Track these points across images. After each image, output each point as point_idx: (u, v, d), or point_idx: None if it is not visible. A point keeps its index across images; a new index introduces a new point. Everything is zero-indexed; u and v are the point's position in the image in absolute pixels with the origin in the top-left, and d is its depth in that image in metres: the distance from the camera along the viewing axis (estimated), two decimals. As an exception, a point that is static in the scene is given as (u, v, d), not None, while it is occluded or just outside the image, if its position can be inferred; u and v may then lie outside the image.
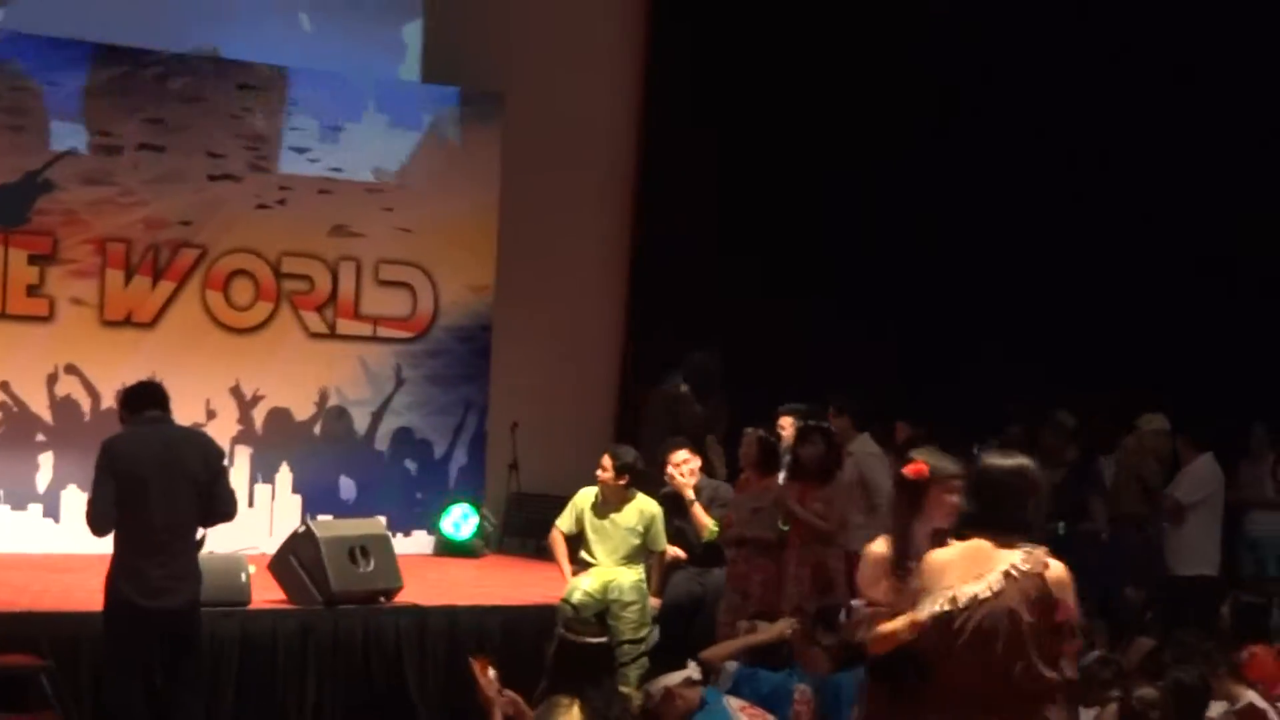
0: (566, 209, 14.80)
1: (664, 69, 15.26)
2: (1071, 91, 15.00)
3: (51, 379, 12.64)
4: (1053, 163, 15.09)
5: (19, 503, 12.50)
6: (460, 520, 13.64)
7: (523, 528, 13.89)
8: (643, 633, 10.27)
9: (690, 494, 10.73)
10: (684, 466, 10.85)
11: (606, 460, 10.44)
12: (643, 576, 10.45)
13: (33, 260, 12.58)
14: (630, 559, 10.40)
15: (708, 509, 10.75)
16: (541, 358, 14.63)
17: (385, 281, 13.84)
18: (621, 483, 10.40)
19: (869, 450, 11.75)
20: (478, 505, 13.73)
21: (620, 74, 15.30)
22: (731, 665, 8.71)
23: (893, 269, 15.22)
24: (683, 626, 10.49)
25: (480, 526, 13.63)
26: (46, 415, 12.63)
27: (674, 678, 7.81)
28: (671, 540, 10.71)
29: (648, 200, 15.31)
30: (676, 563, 10.88)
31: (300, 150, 13.55)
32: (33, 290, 12.59)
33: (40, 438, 12.60)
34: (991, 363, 14.66)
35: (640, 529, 10.41)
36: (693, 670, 7.90)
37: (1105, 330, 14.80)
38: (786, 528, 10.25)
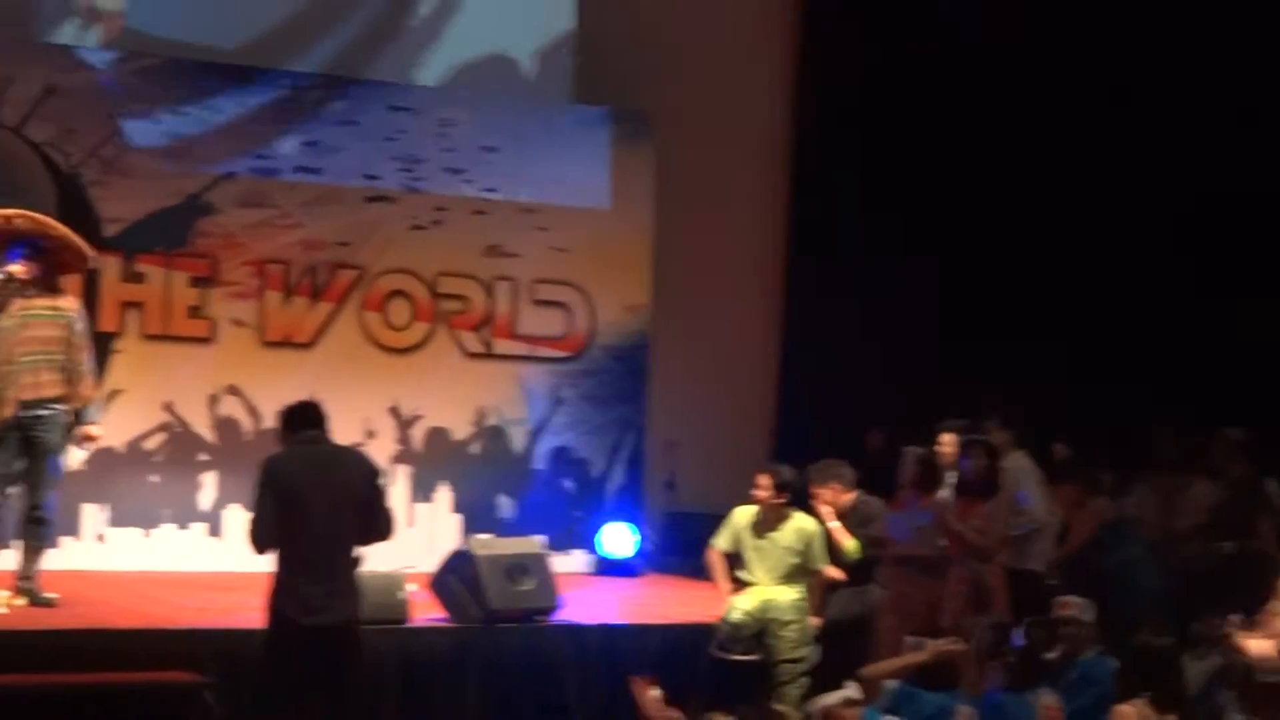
0: (721, 225, 14.76)
1: (815, 83, 15.18)
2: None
3: (213, 399, 12.78)
4: (1231, 167, 14.66)
5: (183, 521, 12.64)
6: (618, 539, 13.63)
7: (680, 546, 13.82)
8: (802, 652, 10.15)
9: (829, 517, 10.62)
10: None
11: (763, 479, 10.34)
12: (802, 595, 10.33)
13: (194, 282, 12.75)
14: (789, 578, 10.29)
15: (856, 528, 10.63)
16: (698, 376, 14.59)
17: (541, 301, 13.87)
18: (779, 501, 10.30)
19: (1020, 465, 11.58)
20: (636, 524, 13.71)
21: (772, 89, 15.24)
22: (891, 684, 8.58)
23: (1058, 278, 14.96)
24: (842, 646, 10.36)
25: (638, 545, 13.61)
26: (209, 435, 12.77)
27: (833, 697, 7.74)
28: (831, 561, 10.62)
29: (802, 214, 15.22)
30: (836, 582, 10.77)
31: (455, 171, 13.61)
32: (194, 312, 12.75)
33: (203, 457, 12.75)
34: (1150, 376, 14.38)
35: (799, 548, 10.30)
36: (852, 690, 7.81)
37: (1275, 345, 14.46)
38: (945, 544, 10.12)
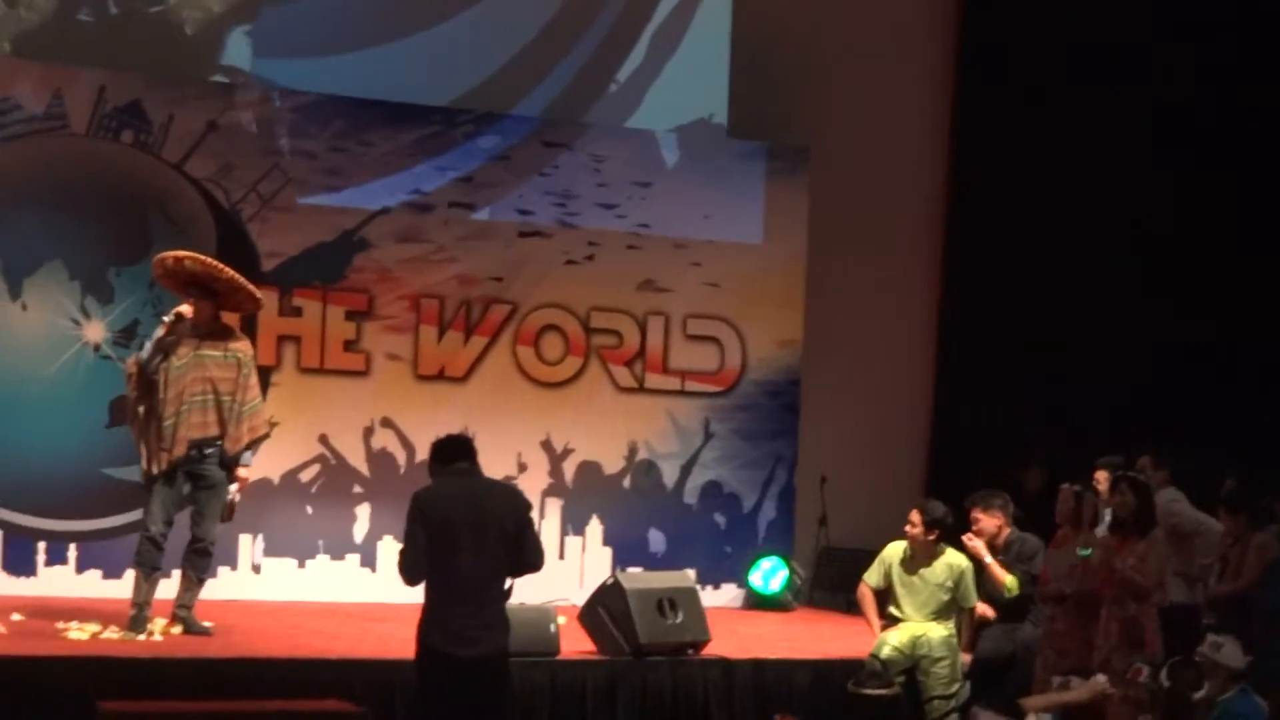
0: (874, 259, 14.69)
1: (973, 114, 15.07)
2: None
3: (368, 432, 12.92)
4: None
5: (337, 553, 12.77)
6: (769, 574, 13.60)
7: (832, 582, 13.78)
8: (954, 688, 10.09)
9: (983, 554, 10.54)
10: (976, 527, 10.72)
11: (915, 515, 10.30)
12: (953, 632, 10.28)
13: (349, 316, 12.90)
14: (940, 614, 10.23)
15: (1012, 564, 10.55)
16: (850, 411, 14.52)
17: (693, 336, 13.88)
18: (931, 538, 10.25)
19: (1170, 499, 11.38)
20: (787, 559, 13.66)
21: (927, 124, 15.15)
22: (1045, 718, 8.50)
23: (1224, 311, 14.77)
24: (992, 683, 10.28)
25: (789, 580, 13.56)
26: (363, 467, 12.90)
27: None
28: (982, 598, 10.54)
29: (956, 249, 15.12)
30: (985, 620, 10.70)
31: (608, 206, 13.66)
32: (350, 345, 12.90)
33: (357, 489, 12.88)
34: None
35: (950, 584, 10.24)
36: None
37: None
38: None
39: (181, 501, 10.25)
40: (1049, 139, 14.84)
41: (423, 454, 12.09)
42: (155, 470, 10.10)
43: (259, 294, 10.59)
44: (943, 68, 15.28)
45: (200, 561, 10.25)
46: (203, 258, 10.38)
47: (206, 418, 10.13)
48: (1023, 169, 14.82)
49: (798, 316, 14.18)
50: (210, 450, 10.15)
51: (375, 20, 13.54)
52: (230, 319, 10.73)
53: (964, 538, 10.65)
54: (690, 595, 10.48)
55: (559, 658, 9.85)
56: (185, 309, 10.16)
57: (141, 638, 9.88)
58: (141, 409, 10.21)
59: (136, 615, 10.01)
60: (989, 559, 10.55)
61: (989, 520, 10.74)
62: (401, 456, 12.95)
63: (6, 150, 12.20)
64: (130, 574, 10.92)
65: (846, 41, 14.76)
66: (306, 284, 12.78)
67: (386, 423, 12.96)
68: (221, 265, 10.37)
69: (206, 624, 10.19)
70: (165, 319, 10.23)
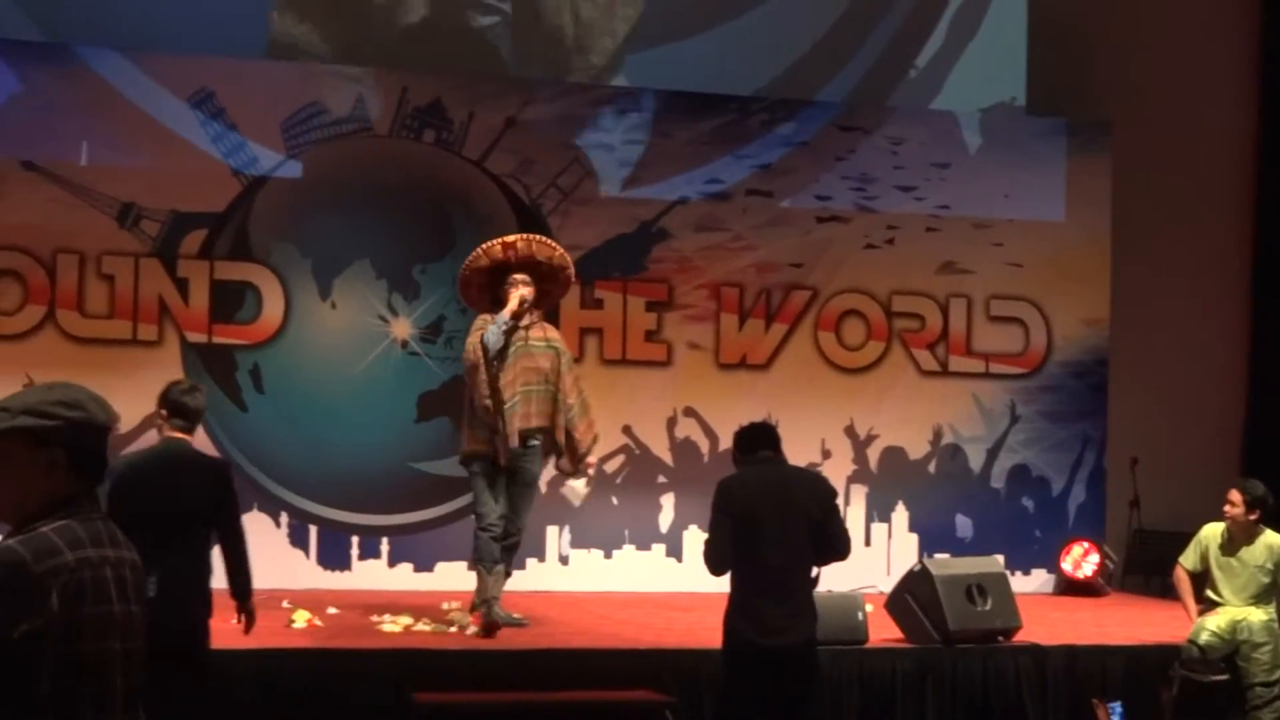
0: (1180, 233, 14.34)
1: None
2: None
3: (671, 422, 12.97)
4: None
5: (643, 543, 12.86)
6: (1080, 558, 13.34)
7: (1145, 565, 13.48)
8: (1276, 675, 9.77)
9: None
10: None
11: (1235, 495, 9.99)
12: (1274, 616, 9.94)
13: (650, 307, 12.97)
14: (1260, 598, 9.91)
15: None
16: (1160, 390, 14.19)
17: (996, 317, 13.69)
18: (1252, 518, 9.93)
19: None
20: (1098, 543, 13.39)
21: (1233, 91, 14.75)
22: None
23: None
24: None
25: (1102, 565, 13.29)
26: (667, 457, 12.96)
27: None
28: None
29: (1269, 218, 14.67)
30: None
31: (907, 189, 13.53)
32: (651, 336, 12.97)
33: (661, 479, 12.94)
34: None
35: (1270, 566, 9.92)
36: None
37: None
38: None
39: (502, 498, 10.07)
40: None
41: (725, 442, 12.15)
42: (501, 463, 9.90)
43: (574, 274, 10.37)
44: (1248, 34, 14.85)
45: (511, 555, 10.16)
46: (535, 236, 10.22)
47: (531, 409, 9.93)
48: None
49: (1104, 294, 13.89)
50: (533, 443, 9.97)
51: (675, 15, 13.59)
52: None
53: None
54: (1000, 581, 10.31)
55: (867, 646, 9.76)
56: (526, 293, 9.90)
57: (457, 630, 10.01)
58: (488, 396, 9.88)
59: (487, 613, 9.84)
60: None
61: None
62: (705, 445, 12.98)
63: (314, 154, 12.50)
64: (440, 567, 11.15)
65: (1146, 12, 14.43)
66: (607, 276, 12.88)
67: (689, 412, 13.01)
68: (552, 242, 10.22)
69: (520, 616, 10.15)
70: (513, 304, 9.86)
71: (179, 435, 7.59)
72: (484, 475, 9.97)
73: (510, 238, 10.15)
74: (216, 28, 12.70)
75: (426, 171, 12.70)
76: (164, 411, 7.62)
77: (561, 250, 10.14)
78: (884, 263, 13.46)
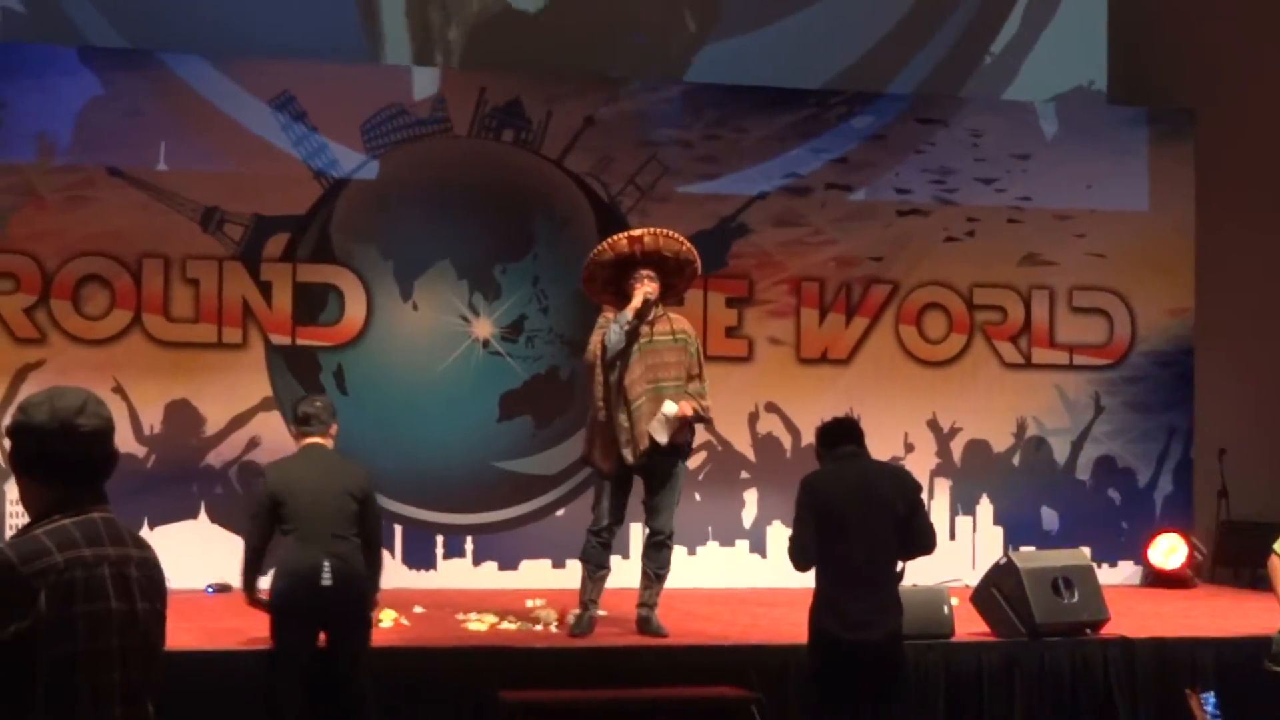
0: (1268, 222, 14.19)
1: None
2: None
3: (753, 417, 12.96)
4: None
5: (727, 539, 12.86)
6: (1168, 550, 13.24)
7: (1234, 557, 13.35)
8: (1369, 666, 9.67)
9: None
10: None
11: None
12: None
13: (730, 303, 12.96)
14: (1353, 588, 9.81)
15: None
16: (1247, 380, 14.06)
17: (1079, 309, 13.61)
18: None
19: None
20: (1186, 534, 13.30)
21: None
22: None
23: None
24: None
25: (1190, 556, 13.19)
26: (749, 453, 12.95)
27: None
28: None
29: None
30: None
31: (987, 181, 13.47)
32: (731, 331, 12.97)
33: (744, 475, 12.94)
34: None
35: (1363, 556, 9.81)
36: None
37: None
38: None
39: (629, 495, 9.83)
40: None
41: (807, 438, 12.16)
42: (623, 464, 9.63)
43: (700, 269, 10.05)
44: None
45: (658, 555, 9.85)
46: (661, 230, 9.84)
47: (658, 406, 9.62)
48: None
49: (1188, 284, 13.79)
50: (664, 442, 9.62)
51: (745, 8, 13.60)
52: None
53: None
54: (1086, 573, 10.25)
55: (953, 640, 9.73)
56: (651, 290, 9.63)
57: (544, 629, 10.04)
58: (601, 399, 9.70)
59: (581, 615, 9.75)
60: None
61: None
62: (787, 441, 12.96)
63: (395, 155, 12.57)
64: (525, 565, 11.15)
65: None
66: (687, 272, 12.88)
67: (771, 407, 13.00)
68: (679, 236, 9.86)
69: (664, 629, 9.79)
70: (636, 302, 9.58)
71: (313, 440, 8.46)
72: (613, 478, 9.75)
73: (637, 231, 9.88)
74: (297, 32, 12.80)
75: (506, 171, 12.74)
76: (293, 427, 8.64)
77: (689, 244, 9.85)
78: (965, 255, 13.41)
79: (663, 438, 9.62)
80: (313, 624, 8.19)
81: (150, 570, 4.00)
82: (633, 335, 9.64)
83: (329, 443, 8.45)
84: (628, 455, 9.64)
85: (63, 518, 3.90)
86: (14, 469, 4.00)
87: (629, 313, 9.63)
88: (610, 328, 9.66)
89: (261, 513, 8.29)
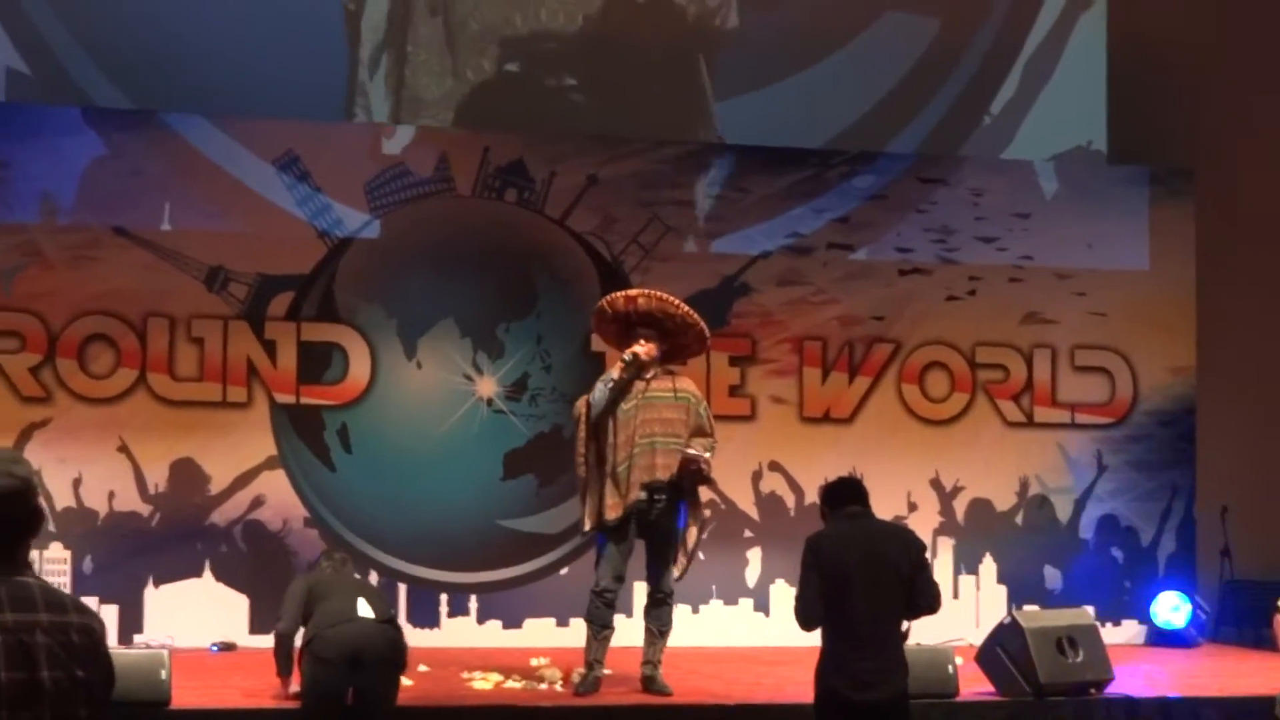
0: (1269, 280, 14.24)
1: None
2: None
3: (756, 476, 12.97)
4: None
5: (730, 597, 12.85)
6: (1172, 609, 13.23)
7: (1238, 615, 13.35)
8: (1375, 725, 9.67)
9: None
10: None
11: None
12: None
13: (733, 361, 12.98)
14: (1358, 647, 9.82)
15: None
16: (1249, 438, 14.08)
17: (1081, 367, 13.63)
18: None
19: None
20: (1189, 593, 13.29)
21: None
22: None
23: None
24: None
25: (1192, 615, 13.19)
26: (753, 512, 12.96)
27: None
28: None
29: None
30: None
31: (988, 240, 13.52)
32: (735, 390, 12.98)
33: (747, 534, 12.94)
34: None
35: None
36: None
37: None
38: None
39: (627, 559, 9.82)
40: None
41: (811, 496, 12.19)
42: (610, 517, 9.61)
43: (707, 332, 10.00)
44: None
45: (659, 612, 9.84)
46: (657, 293, 9.85)
47: (654, 460, 9.61)
48: None
49: (1190, 342, 13.82)
50: (661, 496, 9.64)
51: (745, 68, 13.67)
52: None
53: None
54: (1090, 633, 10.25)
55: (958, 699, 9.72)
56: (640, 349, 9.66)
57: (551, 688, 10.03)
58: (589, 454, 9.70)
59: (586, 675, 9.71)
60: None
61: None
62: (790, 500, 12.97)
63: (398, 215, 12.62)
64: (529, 623, 11.11)
65: (1226, 57, 14.38)
66: (690, 331, 12.90)
67: (774, 466, 13.01)
68: (677, 301, 9.85)
69: (668, 688, 9.76)
70: (623, 358, 9.68)
71: None
72: (612, 535, 9.71)
73: (634, 292, 9.94)
74: (300, 93, 12.86)
75: (509, 230, 12.78)
76: None
77: (686, 308, 9.82)
78: (967, 314, 13.44)
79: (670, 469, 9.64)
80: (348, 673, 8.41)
81: (67, 635, 3.74)
82: (622, 392, 9.66)
83: None
84: (617, 508, 9.60)
85: None
86: None
87: (614, 371, 9.73)
88: (596, 384, 9.76)
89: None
